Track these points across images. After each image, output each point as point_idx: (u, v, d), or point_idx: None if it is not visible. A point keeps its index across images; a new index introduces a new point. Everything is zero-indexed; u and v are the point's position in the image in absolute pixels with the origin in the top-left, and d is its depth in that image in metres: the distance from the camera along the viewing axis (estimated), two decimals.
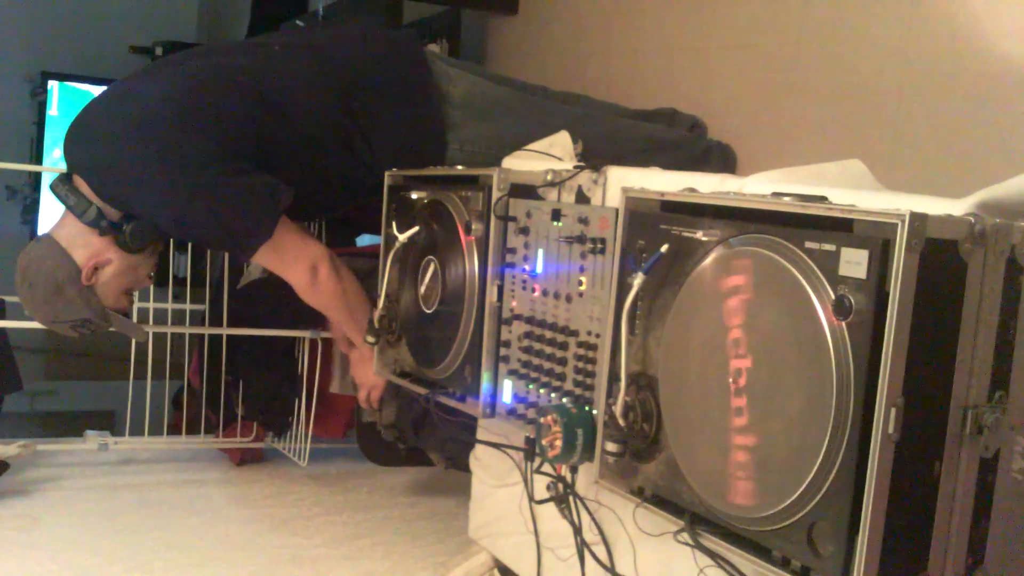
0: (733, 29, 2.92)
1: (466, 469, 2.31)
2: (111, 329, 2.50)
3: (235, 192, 2.25)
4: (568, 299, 1.72)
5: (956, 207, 1.22)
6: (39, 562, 2.35)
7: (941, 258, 1.13)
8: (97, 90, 2.54)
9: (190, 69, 2.43)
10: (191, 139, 2.25)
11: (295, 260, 2.35)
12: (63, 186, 2.34)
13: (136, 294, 2.58)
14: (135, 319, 2.65)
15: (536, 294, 1.80)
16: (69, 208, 2.34)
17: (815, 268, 1.19)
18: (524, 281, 1.83)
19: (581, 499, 1.75)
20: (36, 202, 5.91)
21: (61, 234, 2.37)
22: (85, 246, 2.35)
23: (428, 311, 2.08)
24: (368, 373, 2.51)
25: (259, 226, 2.27)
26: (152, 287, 2.64)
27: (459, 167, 2.09)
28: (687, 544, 1.41)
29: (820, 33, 2.61)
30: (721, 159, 2.83)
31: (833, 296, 1.16)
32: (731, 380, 1.30)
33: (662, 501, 1.47)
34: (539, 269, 1.79)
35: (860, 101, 2.47)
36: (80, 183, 2.34)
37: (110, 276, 2.39)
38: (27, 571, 2.30)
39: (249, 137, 2.31)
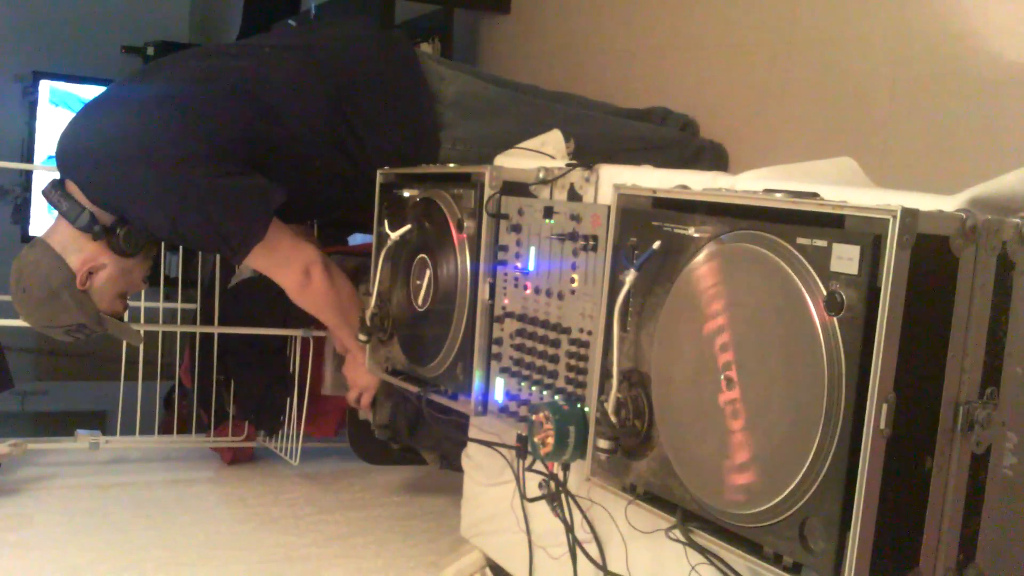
0: (725, 29, 2.93)
1: (460, 469, 2.30)
2: (107, 333, 2.50)
3: (226, 193, 2.25)
4: (560, 296, 1.72)
5: (947, 203, 1.22)
6: (30, 561, 2.34)
7: (932, 254, 1.13)
8: (89, 90, 2.55)
9: (181, 72, 2.43)
10: (182, 141, 2.25)
11: (287, 263, 2.35)
12: (55, 192, 2.34)
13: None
14: (127, 317, 2.64)
15: (528, 291, 1.80)
16: (62, 213, 2.34)
17: (807, 264, 1.19)
18: (516, 279, 1.83)
19: (573, 497, 1.75)
20: (27, 202, 5.88)
21: (55, 239, 2.37)
22: (79, 251, 2.35)
23: (420, 309, 2.07)
24: (361, 376, 2.51)
25: (251, 228, 2.26)
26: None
27: (451, 165, 2.09)
28: (679, 541, 1.41)
29: (811, 32, 2.61)
30: (713, 158, 2.83)
31: (824, 292, 1.16)
32: (722, 376, 1.30)
33: (654, 498, 1.47)
34: (531, 266, 1.79)
35: (852, 100, 2.47)
36: (72, 188, 2.33)
37: (104, 280, 2.39)
38: (18, 570, 2.30)
39: (241, 139, 2.30)
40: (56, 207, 2.34)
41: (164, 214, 2.27)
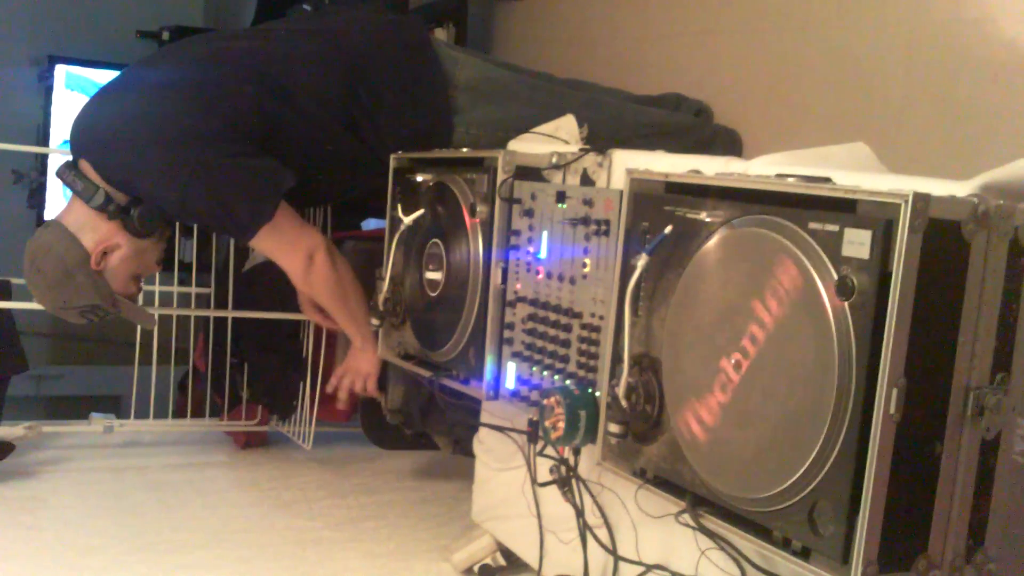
0: (739, 14, 2.92)
1: (471, 454, 2.31)
2: (120, 316, 2.50)
3: (237, 173, 2.26)
4: (572, 281, 1.72)
5: (960, 189, 1.22)
6: (44, 543, 2.36)
7: (944, 239, 1.13)
8: (104, 75, 2.56)
9: (195, 53, 2.45)
10: (194, 120, 2.26)
11: (292, 246, 2.36)
12: (70, 172, 2.35)
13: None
14: (140, 302, 2.65)
15: (540, 276, 1.80)
16: (77, 193, 2.35)
17: (818, 249, 1.19)
18: (528, 263, 1.83)
19: (583, 481, 1.75)
20: (43, 186, 5.90)
21: (69, 220, 2.38)
22: (94, 231, 2.36)
23: (433, 294, 2.08)
24: (362, 363, 2.52)
25: (259, 209, 2.27)
26: (157, 271, 2.65)
27: (464, 150, 2.09)
28: (689, 526, 1.41)
29: (825, 17, 2.60)
30: (727, 144, 2.82)
31: (836, 276, 1.16)
32: (733, 361, 1.30)
33: (664, 483, 1.47)
34: (543, 251, 1.79)
35: (865, 85, 2.46)
36: (87, 168, 2.34)
37: (119, 261, 2.39)
38: (32, 551, 2.31)
39: (254, 120, 2.31)
40: (71, 187, 2.35)
41: (175, 192, 2.28)
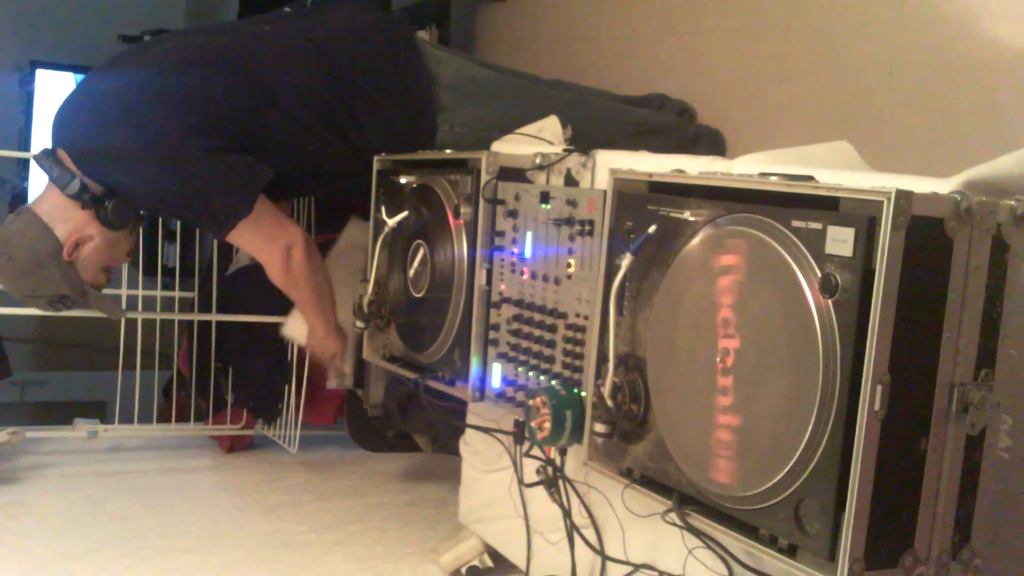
0: (722, 14, 2.92)
1: (453, 452, 2.31)
2: (88, 306, 2.50)
3: (216, 167, 2.26)
4: (557, 281, 1.72)
5: (942, 186, 1.22)
6: (29, 549, 2.34)
7: (927, 236, 1.13)
8: None
9: (175, 48, 2.45)
10: (173, 114, 2.26)
11: (271, 240, 2.36)
12: (47, 158, 2.34)
13: (125, 282, 2.58)
14: (124, 306, 2.64)
15: (525, 277, 1.80)
16: (53, 180, 2.34)
17: (802, 247, 1.19)
18: (513, 264, 1.83)
19: (570, 482, 1.75)
20: (24, 191, 5.88)
21: (43, 208, 2.38)
22: (67, 221, 2.36)
23: (417, 295, 2.07)
24: (327, 346, 2.53)
25: (238, 202, 2.27)
26: (140, 275, 2.64)
27: (448, 151, 2.09)
28: (676, 525, 1.41)
29: (809, 17, 2.61)
30: (710, 143, 2.83)
31: (820, 274, 1.16)
32: (718, 359, 1.30)
33: (651, 482, 1.47)
34: (528, 252, 1.79)
35: (849, 84, 2.47)
36: (64, 157, 2.34)
37: (91, 252, 2.39)
38: (17, 557, 2.29)
39: (234, 115, 2.31)
40: (47, 172, 2.35)
41: (153, 185, 2.28)
